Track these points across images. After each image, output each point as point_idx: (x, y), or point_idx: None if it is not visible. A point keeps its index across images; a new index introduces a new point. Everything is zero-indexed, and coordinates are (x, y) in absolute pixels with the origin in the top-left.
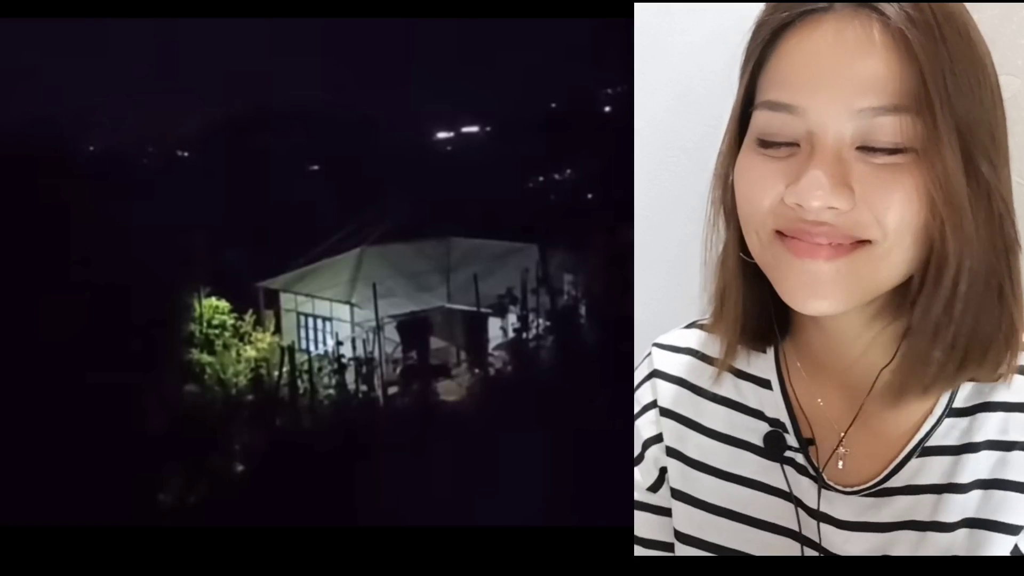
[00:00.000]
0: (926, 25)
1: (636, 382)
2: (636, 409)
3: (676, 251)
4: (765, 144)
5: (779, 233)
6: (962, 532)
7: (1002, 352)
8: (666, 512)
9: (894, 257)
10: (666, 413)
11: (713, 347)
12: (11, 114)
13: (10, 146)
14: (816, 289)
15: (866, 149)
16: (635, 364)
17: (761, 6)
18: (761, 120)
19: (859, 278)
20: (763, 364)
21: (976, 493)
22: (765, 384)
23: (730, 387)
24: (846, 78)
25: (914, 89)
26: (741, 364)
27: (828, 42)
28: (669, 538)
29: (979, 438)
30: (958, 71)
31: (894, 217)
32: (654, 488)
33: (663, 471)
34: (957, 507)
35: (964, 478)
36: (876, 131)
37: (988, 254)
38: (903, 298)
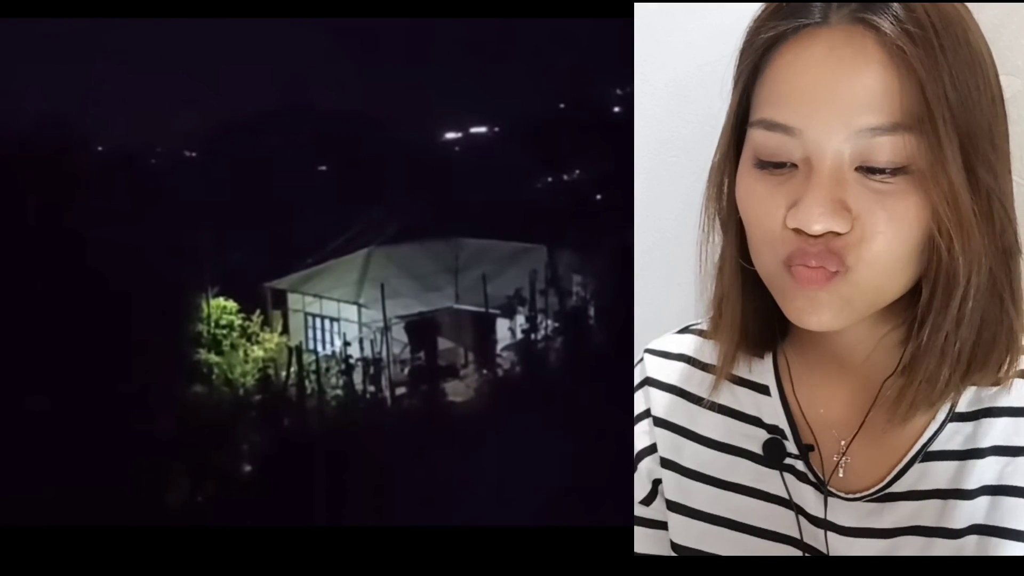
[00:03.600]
0: (924, 38)
1: None
2: None
3: (677, 252)
4: (763, 165)
5: (786, 263)
6: (971, 539)
7: (1003, 357)
8: (660, 526)
9: (873, 283)
10: (660, 423)
11: (709, 353)
12: (19, 114)
13: (18, 145)
14: (816, 310)
15: (865, 170)
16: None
17: (758, 7)
18: (758, 138)
19: (851, 302)
20: (761, 370)
21: (984, 500)
22: (763, 390)
23: (726, 394)
24: (843, 98)
25: (914, 106)
26: (738, 370)
27: (823, 60)
28: (664, 552)
29: (984, 443)
30: (959, 83)
31: (876, 246)
32: (647, 501)
33: (656, 483)
34: (964, 514)
35: (970, 484)
36: (875, 151)
37: (992, 265)
38: (906, 303)
